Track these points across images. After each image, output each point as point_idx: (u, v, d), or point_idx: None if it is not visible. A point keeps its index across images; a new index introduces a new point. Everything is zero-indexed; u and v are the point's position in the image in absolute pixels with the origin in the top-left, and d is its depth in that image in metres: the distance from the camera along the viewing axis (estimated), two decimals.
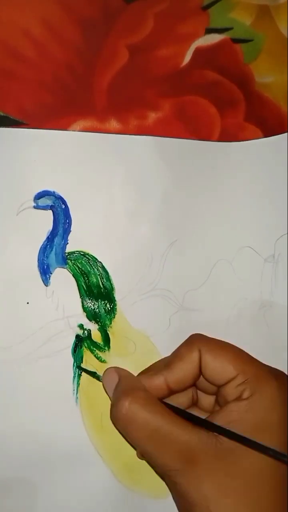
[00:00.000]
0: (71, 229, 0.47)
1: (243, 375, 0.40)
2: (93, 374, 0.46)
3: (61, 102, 0.49)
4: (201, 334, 0.44)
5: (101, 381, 0.45)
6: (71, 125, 0.49)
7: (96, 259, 0.47)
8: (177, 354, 0.43)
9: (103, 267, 0.47)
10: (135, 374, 0.45)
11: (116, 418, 0.40)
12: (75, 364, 0.46)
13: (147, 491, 0.46)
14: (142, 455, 0.44)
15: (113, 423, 0.41)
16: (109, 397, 0.43)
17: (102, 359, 0.47)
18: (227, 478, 0.37)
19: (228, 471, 0.37)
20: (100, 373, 0.46)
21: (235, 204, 0.51)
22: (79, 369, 0.46)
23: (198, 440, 0.38)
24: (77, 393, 0.46)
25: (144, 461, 0.45)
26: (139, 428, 0.39)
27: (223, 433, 0.38)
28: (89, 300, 0.47)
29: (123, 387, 0.42)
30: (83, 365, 0.46)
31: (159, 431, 0.39)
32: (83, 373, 0.46)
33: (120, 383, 0.42)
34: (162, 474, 0.41)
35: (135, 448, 0.44)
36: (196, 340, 0.43)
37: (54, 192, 0.47)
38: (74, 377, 0.46)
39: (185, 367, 0.42)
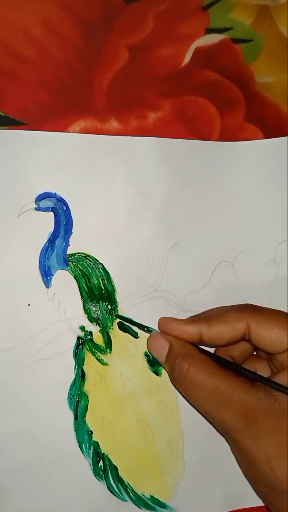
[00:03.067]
0: (72, 231, 0.47)
1: None
2: (141, 326, 0.47)
3: (61, 102, 0.49)
4: (253, 306, 0.45)
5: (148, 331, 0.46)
6: (71, 125, 0.49)
7: (98, 261, 0.47)
8: (223, 316, 0.44)
9: (104, 269, 0.47)
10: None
11: (177, 381, 0.42)
12: (76, 366, 0.46)
13: (149, 494, 0.46)
14: (203, 415, 0.45)
15: (174, 385, 0.43)
16: (159, 361, 0.45)
17: (104, 361, 0.47)
18: (286, 435, 0.39)
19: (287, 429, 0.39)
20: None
21: (237, 206, 0.51)
22: (117, 317, 0.47)
23: (256, 398, 0.40)
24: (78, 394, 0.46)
25: (145, 465, 0.45)
26: (199, 389, 0.41)
27: (280, 389, 0.40)
28: (90, 302, 0.47)
29: (178, 351, 0.43)
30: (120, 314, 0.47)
31: (217, 390, 0.40)
32: (85, 375, 0.46)
33: (173, 348, 0.43)
34: (223, 432, 0.43)
35: (197, 410, 0.45)
36: (247, 312, 0.44)
37: (55, 194, 0.47)
38: (75, 379, 0.46)
39: (225, 331, 0.43)
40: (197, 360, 0.42)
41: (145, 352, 0.47)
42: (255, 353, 0.48)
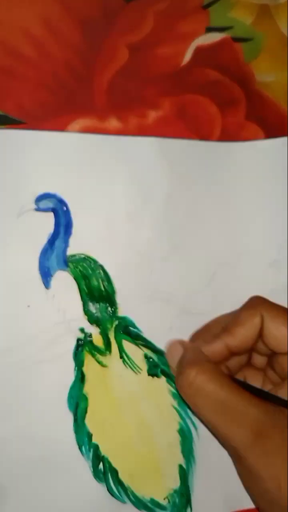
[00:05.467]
0: (72, 232, 0.47)
1: None
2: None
3: (60, 101, 0.49)
4: (263, 298, 0.44)
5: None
6: (70, 124, 0.49)
7: (97, 262, 0.47)
8: (238, 319, 0.43)
9: (104, 270, 0.47)
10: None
11: (182, 387, 0.40)
12: (76, 368, 0.46)
13: (149, 496, 0.46)
14: (208, 427, 0.44)
15: (179, 392, 0.41)
16: (172, 369, 0.43)
17: (103, 363, 0.46)
18: None
19: None
20: None
21: (238, 207, 0.51)
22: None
23: (266, 414, 0.38)
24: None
25: (145, 467, 0.45)
26: (206, 399, 0.39)
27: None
28: (90, 303, 0.47)
29: (189, 358, 0.42)
30: None
31: (226, 403, 0.39)
32: (84, 377, 0.46)
33: (185, 354, 0.42)
34: (228, 446, 0.41)
35: (201, 421, 0.44)
36: (258, 305, 0.43)
37: (55, 194, 0.47)
38: (75, 380, 0.46)
39: (246, 332, 0.42)
40: (206, 368, 0.40)
41: (145, 354, 0.47)
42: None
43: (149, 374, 0.47)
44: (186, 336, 0.47)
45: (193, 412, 0.42)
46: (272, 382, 0.45)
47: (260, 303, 0.43)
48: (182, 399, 0.42)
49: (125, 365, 0.47)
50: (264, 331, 0.42)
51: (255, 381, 0.45)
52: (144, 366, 0.47)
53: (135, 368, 0.47)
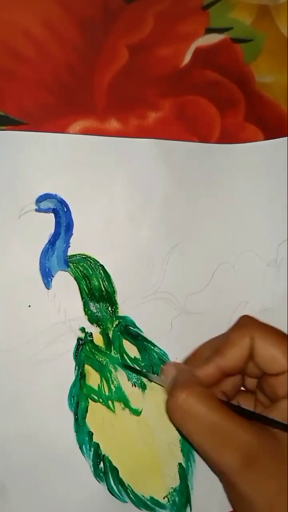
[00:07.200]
0: (73, 232, 0.47)
1: None
2: (140, 372, 0.46)
3: (61, 102, 0.49)
4: (252, 317, 0.43)
5: (149, 379, 0.45)
6: (71, 125, 0.49)
7: (98, 262, 0.47)
8: (228, 340, 0.42)
9: (104, 270, 0.47)
10: None
11: (171, 410, 0.39)
12: (76, 367, 0.46)
13: (149, 495, 0.46)
14: (197, 450, 0.43)
15: (168, 415, 0.40)
16: (166, 392, 0.42)
17: (104, 363, 0.47)
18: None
19: None
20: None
21: (237, 207, 0.51)
22: (125, 367, 0.46)
23: (257, 438, 0.37)
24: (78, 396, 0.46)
25: (145, 466, 0.45)
26: (196, 422, 0.38)
27: (283, 428, 0.38)
28: (90, 303, 0.47)
29: (180, 380, 0.41)
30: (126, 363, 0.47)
31: (216, 426, 0.38)
32: (85, 376, 0.46)
33: (177, 376, 0.42)
34: (218, 472, 0.41)
35: (191, 445, 0.43)
36: (248, 325, 0.42)
37: (56, 195, 0.47)
38: (75, 380, 0.46)
39: (237, 353, 0.41)
40: (196, 391, 0.39)
41: (145, 353, 0.47)
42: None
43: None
44: (186, 336, 0.47)
45: (182, 436, 0.41)
46: (262, 404, 0.44)
47: (250, 323, 0.42)
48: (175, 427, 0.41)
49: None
50: (254, 352, 0.41)
51: (248, 404, 0.45)
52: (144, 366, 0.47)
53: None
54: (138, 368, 0.47)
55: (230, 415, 0.38)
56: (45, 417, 0.45)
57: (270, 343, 0.41)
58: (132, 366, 0.47)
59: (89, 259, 0.47)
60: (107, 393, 0.46)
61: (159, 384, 0.45)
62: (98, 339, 0.47)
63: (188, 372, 0.42)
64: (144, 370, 0.47)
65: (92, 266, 0.47)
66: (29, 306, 0.46)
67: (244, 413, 0.40)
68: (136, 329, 0.47)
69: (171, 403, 0.39)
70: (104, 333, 0.47)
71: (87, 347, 0.46)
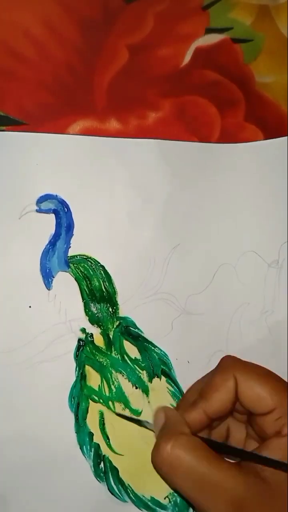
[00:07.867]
0: (74, 233, 0.47)
1: (281, 408, 0.39)
2: (135, 420, 0.46)
3: (61, 102, 0.49)
4: (234, 358, 0.42)
5: (143, 426, 0.45)
6: (71, 125, 0.49)
7: (99, 263, 0.47)
8: (212, 384, 0.41)
9: (105, 271, 0.47)
10: None
11: (157, 464, 0.38)
12: (77, 368, 0.46)
13: (150, 495, 0.46)
14: (186, 500, 0.41)
15: (154, 468, 0.39)
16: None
17: (104, 364, 0.47)
18: None
19: None
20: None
21: (238, 207, 0.51)
22: (119, 415, 0.46)
23: (245, 485, 0.36)
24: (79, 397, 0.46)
25: (145, 466, 0.45)
26: (184, 474, 0.37)
27: (273, 466, 0.37)
28: (91, 304, 0.47)
29: (166, 429, 0.40)
30: (120, 412, 0.46)
31: (204, 478, 0.37)
32: (86, 377, 0.46)
33: (165, 425, 0.41)
34: None
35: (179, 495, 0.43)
36: (230, 366, 0.41)
37: (56, 195, 0.47)
38: (76, 381, 0.46)
39: (222, 397, 0.40)
40: (182, 441, 0.38)
41: (145, 354, 0.47)
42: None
43: (149, 374, 0.47)
44: (187, 337, 0.47)
45: (169, 485, 0.40)
46: (254, 439, 0.43)
47: (232, 364, 0.42)
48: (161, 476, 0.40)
49: (126, 365, 0.47)
50: (239, 393, 0.40)
51: (239, 432, 0.44)
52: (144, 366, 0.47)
53: (135, 368, 0.47)
54: (133, 417, 0.46)
55: (217, 463, 0.37)
56: (45, 418, 0.45)
57: (254, 383, 0.40)
58: (128, 416, 0.46)
59: (89, 259, 0.47)
60: (107, 394, 0.46)
61: (153, 431, 0.44)
62: (99, 340, 0.47)
63: (175, 419, 0.41)
64: (137, 418, 0.46)
65: (93, 266, 0.47)
66: (30, 306, 0.46)
67: (234, 452, 0.39)
68: (136, 330, 0.47)
69: (157, 457, 0.38)
70: (105, 334, 0.47)
71: (88, 348, 0.46)
